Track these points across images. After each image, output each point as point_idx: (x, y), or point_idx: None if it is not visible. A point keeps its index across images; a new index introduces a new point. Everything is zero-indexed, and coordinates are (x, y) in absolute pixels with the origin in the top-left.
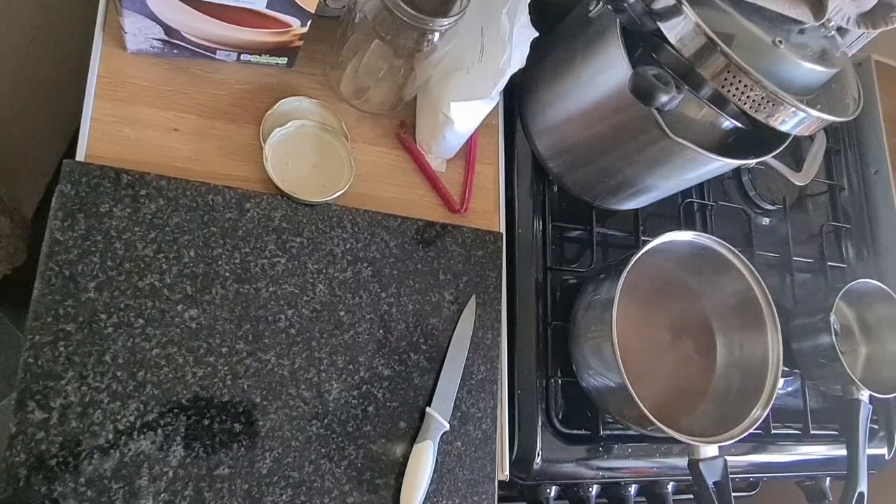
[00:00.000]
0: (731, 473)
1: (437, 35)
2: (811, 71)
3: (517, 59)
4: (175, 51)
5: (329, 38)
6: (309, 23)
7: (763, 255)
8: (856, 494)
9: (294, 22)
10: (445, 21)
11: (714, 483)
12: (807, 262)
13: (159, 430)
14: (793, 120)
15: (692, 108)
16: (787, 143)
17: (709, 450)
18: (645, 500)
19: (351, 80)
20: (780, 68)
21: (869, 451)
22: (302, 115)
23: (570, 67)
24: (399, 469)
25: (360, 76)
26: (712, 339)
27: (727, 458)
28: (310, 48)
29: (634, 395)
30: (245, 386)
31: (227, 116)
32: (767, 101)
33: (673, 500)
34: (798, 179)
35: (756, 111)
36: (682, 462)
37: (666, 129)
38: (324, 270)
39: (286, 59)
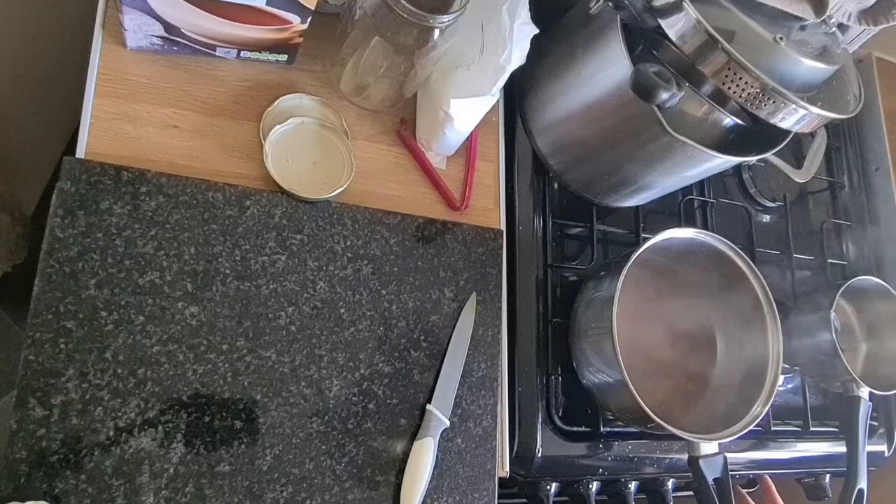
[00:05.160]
0: (731, 470)
1: (437, 32)
2: (812, 68)
3: (517, 56)
4: (175, 48)
5: (329, 35)
6: (309, 20)
7: (763, 252)
8: (855, 491)
9: (294, 19)
10: (445, 18)
11: (714, 480)
12: (807, 260)
13: (160, 427)
14: (793, 117)
15: (693, 106)
16: (787, 140)
17: (709, 447)
18: (645, 496)
19: (351, 77)
20: (781, 65)
21: (869, 447)
22: (302, 112)
23: (570, 64)
24: (399, 466)
25: (361, 73)
26: (712, 336)
27: (727, 454)
28: (310, 45)
29: (634, 391)
30: (245, 383)
31: (227, 114)
32: (768, 98)
33: (673, 497)
34: (799, 177)
35: (757, 108)
36: (683, 459)
37: (667, 127)
38: (324, 268)
39: (286, 56)
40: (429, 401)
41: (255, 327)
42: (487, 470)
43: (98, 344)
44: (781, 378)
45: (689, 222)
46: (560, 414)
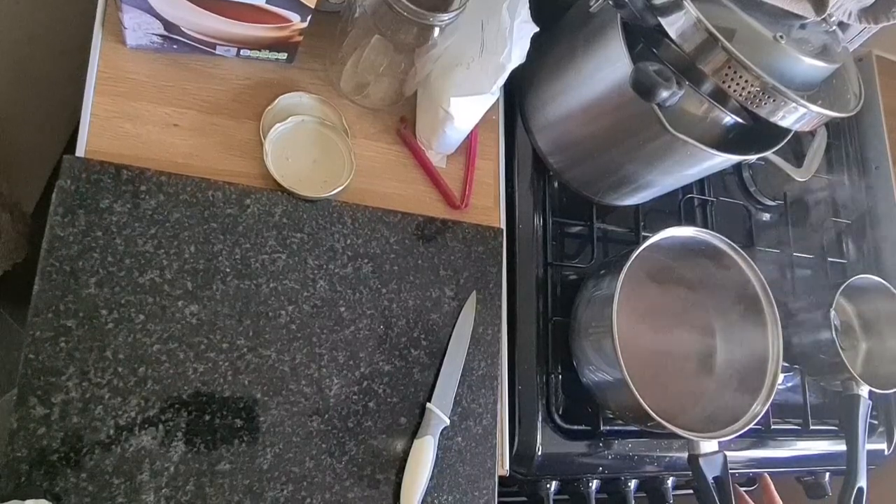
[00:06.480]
0: (731, 469)
1: (437, 30)
2: (812, 66)
3: (518, 54)
4: (175, 46)
5: (329, 33)
6: (309, 18)
7: (763, 250)
8: (855, 489)
9: (294, 17)
10: (445, 16)
11: (714, 478)
12: (807, 258)
13: (160, 426)
14: (794, 115)
15: (693, 104)
16: (787, 138)
17: (708, 445)
18: (645, 495)
19: (351, 75)
20: (782, 63)
21: (868, 446)
22: (302, 110)
23: (570, 63)
24: (399, 464)
25: (361, 71)
26: (712, 334)
27: (727, 453)
28: (310, 44)
29: (634, 390)
30: (246, 381)
31: (227, 112)
32: (768, 97)
33: (673, 495)
34: (799, 175)
35: (757, 107)
36: (682, 457)
37: (667, 125)
38: (324, 266)
39: (286, 54)
40: (429, 399)
41: (256, 326)
42: (487, 468)
43: (98, 342)
44: (781, 376)
45: (690, 221)
46: (560, 412)
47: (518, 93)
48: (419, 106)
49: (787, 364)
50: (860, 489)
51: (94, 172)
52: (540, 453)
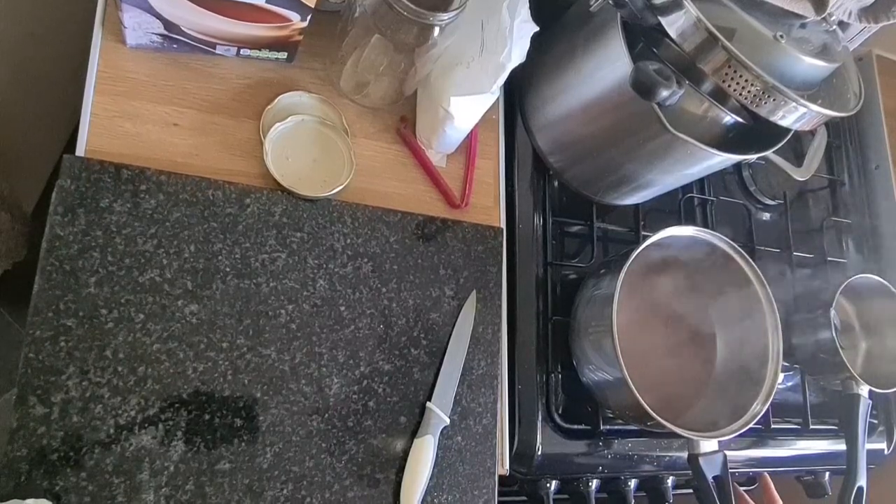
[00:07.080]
0: (731, 468)
1: (437, 30)
2: (812, 66)
3: (518, 53)
4: (175, 45)
5: (329, 32)
6: (309, 17)
7: (763, 250)
8: (855, 489)
9: (294, 17)
10: (445, 16)
11: (714, 478)
12: (807, 258)
13: (160, 425)
14: (794, 115)
15: (693, 103)
16: (787, 138)
17: (708, 444)
18: (645, 494)
19: (351, 74)
20: (782, 63)
21: (868, 445)
22: (302, 109)
23: (570, 62)
24: (399, 464)
25: (361, 71)
26: (712, 333)
27: (727, 452)
28: (310, 43)
29: (634, 389)
30: (246, 381)
31: (227, 111)
32: (768, 96)
33: (673, 494)
34: (799, 174)
35: (757, 106)
36: (682, 457)
37: (667, 124)
38: (324, 265)
39: (286, 53)
40: (429, 398)
41: (255, 325)
42: (487, 468)
43: (98, 342)
44: (781, 376)
45: (690, 220)
46: (560, 412)
47: (518, 92)
48: (419, 105)
49: (787, 364)
50: (860, 489)
51: (93, 172)
52: (540, 453)
